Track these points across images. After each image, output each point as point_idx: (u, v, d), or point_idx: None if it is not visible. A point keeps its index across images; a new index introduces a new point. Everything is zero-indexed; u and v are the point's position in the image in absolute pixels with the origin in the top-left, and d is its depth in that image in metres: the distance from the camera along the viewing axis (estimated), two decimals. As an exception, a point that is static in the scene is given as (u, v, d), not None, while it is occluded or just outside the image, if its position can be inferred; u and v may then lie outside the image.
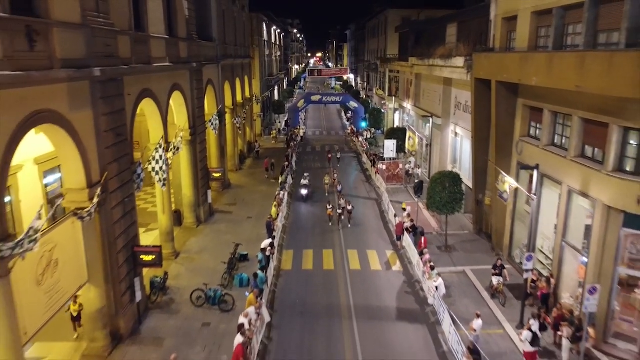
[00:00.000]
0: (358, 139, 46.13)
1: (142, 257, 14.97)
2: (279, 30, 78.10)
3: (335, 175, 32.19)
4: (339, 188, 29.70)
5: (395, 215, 24.07)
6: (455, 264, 20.30)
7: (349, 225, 24.82)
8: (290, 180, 31.92)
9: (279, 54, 79.23)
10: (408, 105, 39.50)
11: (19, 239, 9.30)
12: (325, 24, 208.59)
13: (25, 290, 10.33)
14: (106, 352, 13.79)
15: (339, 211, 25.09)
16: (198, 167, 24.23)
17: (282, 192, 27.10)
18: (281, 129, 55.06)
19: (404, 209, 24.04)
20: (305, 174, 31.16)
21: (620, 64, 11.81)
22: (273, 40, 70.19)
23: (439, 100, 30.32)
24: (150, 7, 17.96)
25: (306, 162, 40.85)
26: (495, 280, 17.34)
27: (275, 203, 24.64)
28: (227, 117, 33.34)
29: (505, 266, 17.83)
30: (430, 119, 29.10)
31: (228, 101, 33.99)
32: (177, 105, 22.00)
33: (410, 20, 45.32)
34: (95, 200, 12.66)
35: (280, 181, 30.54)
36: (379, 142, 44.10)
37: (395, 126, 42.67)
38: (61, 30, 11.31)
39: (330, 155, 40.01)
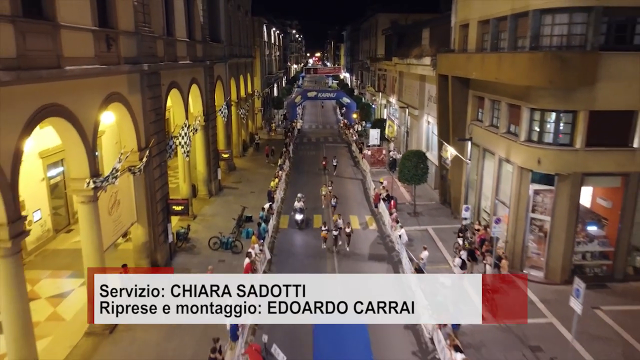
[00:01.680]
0: (349, 130, 50.95)
1: (173, 207, 19.80)
2: (278, 32, 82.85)
3: (330, 187, 28.51)
4: (333, 202, 26.06)
5: (374, 189, 28.89)
6: (420, 224, 25.11)
7: (347, 248, 21.56)
8: (288, 163, 36.62)
9: (278, 53, 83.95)
10: (393, 99, 44.30)
11: (106, 175, 14.08)
12: (324, 25, 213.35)
13: (103, 215, 15.06)
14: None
15: (335, 232, 21.29)
16: (210, 149, 29.00)
17: (280, 172, 31.86)
18: (280, 121, 59.79)
19: (381, 183, 28.81)
20: (299, 195, 25.74)
21: (519, 61, 16.67)
22: (272, 41, 74.95)
23: (416, 94, 35.11)
24: (176, 16, 22.75)
25: (302, 150, 45.58)
26: (460, 241, 21.88)
27: (275, 178, 29.41)
28: (233, 109, 38.10)
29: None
30: (407, 110, 33.88)
31: (233, 95, 38.72)
32: (194, 96, 26.71)
33: (394, 25, 50.13)
34: (144, 160, 17.42)
35: (279, 164, 35.25)
36: (369, 133, 48.78)
37: (380, 118, 47.47)
38: (124, 37, 16.08)
39: (325, 162, 36.17)
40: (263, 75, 58.87)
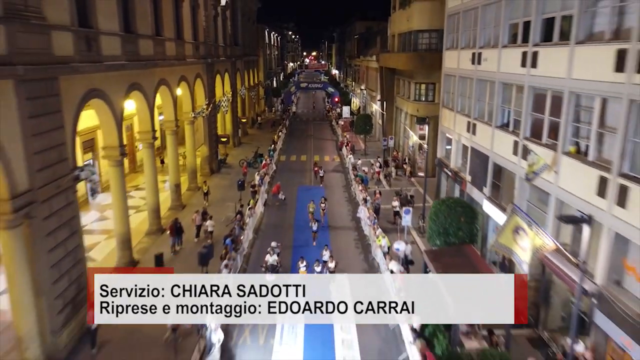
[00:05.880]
0: (331, 112, 66.60)
1: (221, 139, 35.31)
2: (276, 35, 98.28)
3: (323, 205, 24.39)
4: (314, 227, 22.06)
5: (339, 140, 44.57)
6: (367, 158, 40.73)
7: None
8: (284, 130, 52.16)
9: (276, 53, 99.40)
10: (363, 87, 59.89)
11: (198, 111, 29.55)
12: (320, 26, 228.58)
13: (193, 133, 30.45)
14: (209, 176, 33.96)
15: (317, 269, 17.50)
16: (234, 114, 44.50)
17: (280, 133, 47.41)
18: (279, 105, 75.37)
19: (345, 136, 44.39)
20: (273, 244, 19.03)
21: (403, 58, 32.29)
22: (272, 43, 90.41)
23: (374, 81, 50.70)
24: (219, 31, 38.26)
25: (295, 125, 61.08)
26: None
27: (276, 135, 44.97)
28: (246, 92, 53.63)
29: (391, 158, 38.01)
30: (364, 92, 49.44)
31: (246, 83, 54.18)
32: (226, 80, 42.13)
33: (364, 31, 65.81)
34: (208, 110, 32.84)
35: (279, 130, 50.75)
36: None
37: (350, 99, 63.28)
38: (201, 45, 31.54)
39: (316, 169, 33.30)
40: (265, 70, 74.30)
